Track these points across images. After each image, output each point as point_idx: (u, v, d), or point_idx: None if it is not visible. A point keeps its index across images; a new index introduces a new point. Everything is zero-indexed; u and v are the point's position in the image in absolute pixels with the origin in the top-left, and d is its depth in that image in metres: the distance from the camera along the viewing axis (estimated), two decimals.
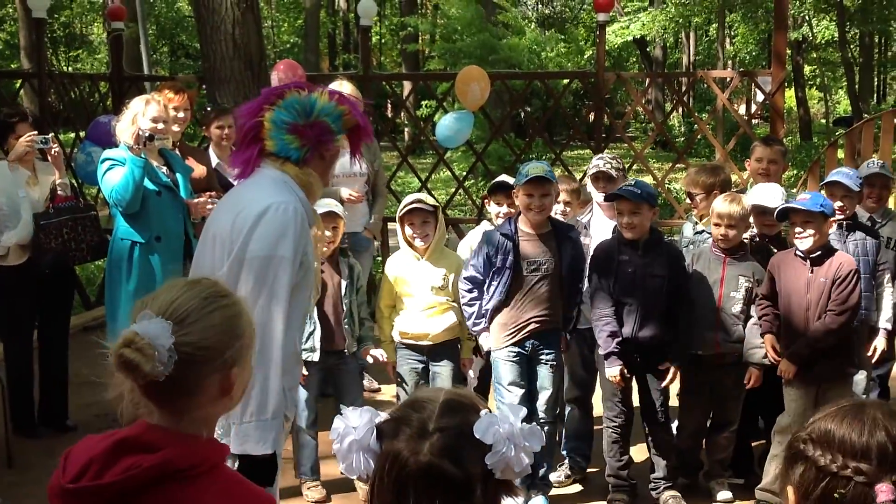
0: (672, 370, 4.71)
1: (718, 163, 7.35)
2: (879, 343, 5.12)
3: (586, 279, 4.82)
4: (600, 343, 4.69)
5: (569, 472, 5.18)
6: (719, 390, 4.89)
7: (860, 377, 5.07)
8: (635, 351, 4.69)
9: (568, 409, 5.23)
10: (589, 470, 5.24)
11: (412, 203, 4.81)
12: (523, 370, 4.67)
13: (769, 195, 4.96)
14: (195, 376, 1.84)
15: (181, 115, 5.79)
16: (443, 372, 4.89)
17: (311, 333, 4.70)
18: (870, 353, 5.15)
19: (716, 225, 4.79)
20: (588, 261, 4.83)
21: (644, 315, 4.63)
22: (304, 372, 4.57)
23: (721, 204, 4.77)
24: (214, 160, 6.09)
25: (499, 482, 1.63)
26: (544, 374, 4.70)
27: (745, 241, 4.88)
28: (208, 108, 6.34)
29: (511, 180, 4.87)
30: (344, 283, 4.83)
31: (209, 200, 5.29)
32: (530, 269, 4.60)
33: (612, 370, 4.66)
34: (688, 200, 5.86)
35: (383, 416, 1.70)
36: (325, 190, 3.42)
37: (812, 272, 4.56)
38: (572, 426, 5.24)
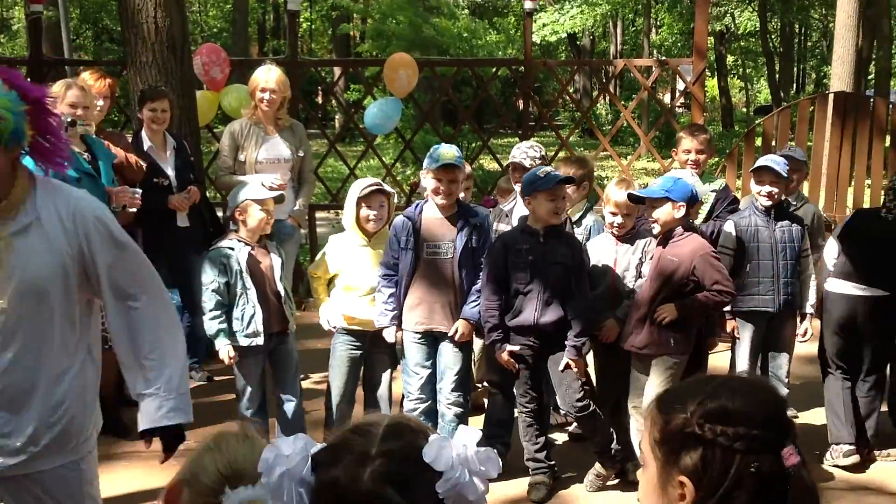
0: (573, 363, 4.67)
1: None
2: (807, 324, 5.24)
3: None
4: (486, 332, 4.72)
5: None
6: (617, 368, 4.91)
7: (783, 359, 5.22)
8: (537, 336, 4.69)
9: (491, 393, 5.28)
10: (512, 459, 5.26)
11: (373, 185, 4.86)
12: (430, 351, 4.75)
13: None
14: None
15: (100, 102, 5.71)
16: (383, 359, 4.95)
17: (252, 317, 4.68)
18: (801, 338, 5.28)
19: (612, 214, 4.83)
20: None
21: (545, 301, 4.62)
22: (231, 354, 4.63)
23: (616, 192, 4.82)
24: (147, 143, 6.01)
25: None
26: (448, 354, 4.76)
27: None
28: (142, 91, 6.22)
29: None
30: (278, 265, 4.85)
31: (130, 190, 5.29)
32: (429, 252, 4.68)
33: (503, 355, 4.70)
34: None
35: (319, 445, 1.47)
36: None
37: (668, 251, 4.63)
38: (494, 413, 5.17)
